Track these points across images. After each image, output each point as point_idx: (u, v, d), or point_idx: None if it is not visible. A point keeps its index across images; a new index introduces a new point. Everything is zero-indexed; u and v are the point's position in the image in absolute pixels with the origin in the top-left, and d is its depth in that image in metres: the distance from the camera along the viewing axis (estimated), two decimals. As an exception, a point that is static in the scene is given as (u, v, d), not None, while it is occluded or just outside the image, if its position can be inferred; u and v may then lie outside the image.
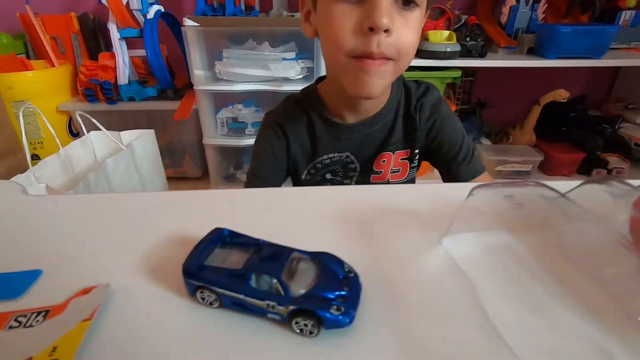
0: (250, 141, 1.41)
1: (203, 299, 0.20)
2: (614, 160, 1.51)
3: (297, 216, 0.28)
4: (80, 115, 0.74)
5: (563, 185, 0.24)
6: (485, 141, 1.63)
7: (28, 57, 1.47)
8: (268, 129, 0.59)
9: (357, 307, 0.19)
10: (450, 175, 0.59)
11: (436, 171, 0.62)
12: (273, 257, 0.20)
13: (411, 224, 0.26)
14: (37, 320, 0.19)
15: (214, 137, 1.44)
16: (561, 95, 1.38)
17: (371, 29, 0.40)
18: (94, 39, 1.54)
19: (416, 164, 0.62)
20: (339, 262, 0.21)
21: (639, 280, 0.19)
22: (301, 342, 0.17)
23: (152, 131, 0.91)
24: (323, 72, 0.82)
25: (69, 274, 0.25)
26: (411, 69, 1.27)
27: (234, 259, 0.20)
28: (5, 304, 0.22)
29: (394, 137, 0.57)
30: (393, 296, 0.20)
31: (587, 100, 1.71)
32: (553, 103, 1.47)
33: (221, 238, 0.23)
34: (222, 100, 1.43)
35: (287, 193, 0.32)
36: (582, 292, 0.19)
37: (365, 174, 0.60)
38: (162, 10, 1.39)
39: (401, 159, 0.59)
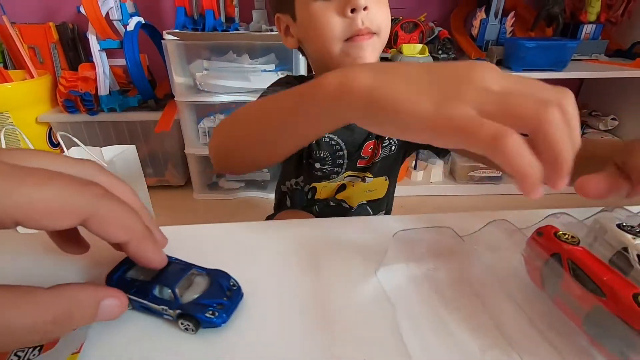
0: (232, 150, 1.44)
1: None
2: (578, 164, 1.60)
3: (245, 249, 0.33)
4: (62, 136, 0.76)
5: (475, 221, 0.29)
6: (460, 147, 1.70)
7: (6, 67, 1.46)
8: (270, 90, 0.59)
9: (232, 313, 0.26)
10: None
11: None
12: (175, 272, 0.26)
13: (353, 255, 0.30)
14: (34, 354, 0.22)
15: (196, 146, 1.46)
16: (527, 105, 1.46)
17: (352, 11, 0.46)
18: (74, 48, 1.54)
19: (398, 153, 0.64)
20: (227, 277, 0.27)
21: (529, 314, 0.23)
22: (185, 336, 0.25)
23: (133, 147, 0.93)
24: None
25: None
26: (387, 80, 1.33)
27: (148, 273, 0.26)
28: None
29: None
30: (320, 318, 0.25)
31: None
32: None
33: None
34: (203, 110, 1.45)
35: (246, 227, 0.36)
36: (483, 322, 0.23)
37: (353, 161, 0.62)
38: (143, 21, 1.41)
39: (383, 146, 0.62)
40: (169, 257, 0.28)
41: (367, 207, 0.67)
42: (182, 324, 0.25)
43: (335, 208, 0.66)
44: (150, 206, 1.06)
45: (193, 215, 1.48)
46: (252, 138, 0.38)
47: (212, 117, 1.44)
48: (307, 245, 0.32)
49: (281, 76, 1.33)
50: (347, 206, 0.66)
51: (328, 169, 0.62)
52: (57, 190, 0.18)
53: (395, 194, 0.74)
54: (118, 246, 0.22)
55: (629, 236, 0.26)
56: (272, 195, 1.22)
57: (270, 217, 0.72)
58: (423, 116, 0.22)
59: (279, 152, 0.38)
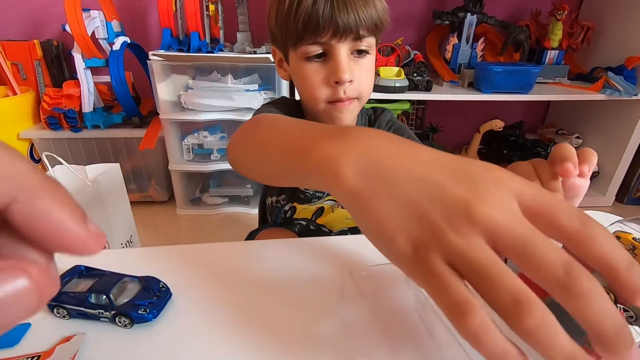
0: (216, 166, 1.47)
1: (58, 313, 0.32)
2: (546, 180, 1.70)
3: (215, 271, 0.37)
4: (47, 156, 0.78)
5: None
6: (436, 163, 1.77)
7: (-13, 83, 1.46)
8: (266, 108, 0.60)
9: (162, 309, 0.32)
10: None
11: None
12: (109, 282, 0.33)
13: (319, 286, 0.35)
14: (32, 363, 0.26)
15: (180, 163, 1.49)
16: (497, 125, 1.55)
17: (337, 82, 0.51)
18: (58, 65, 1.55)
19: None
20: (157, 281, 0.34)
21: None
22: (124, 331, 0.31)
23: (117, 165, 0.95)
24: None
25: (52, 325, 0.32)
26: (365, 101, 1.40)
27: (85, 285, 0.32)
28: (5, 352, 0.29)
29: None
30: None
31: (524, 126, 1.92)
32: (493, 130, 1.65)
33: (79, 271, 0.35)
34: (187, 127, 1.48)
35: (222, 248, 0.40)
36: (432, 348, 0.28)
37: None
38: (129, 41, 1.44)
39: None
40: (104, 271, 0.34)
41: (348, 232, 0.71)
42: (119, 322, 0.31)
43: (316, 232, 0.69)
44: (133, 222, 1.07)
45: (176, 231, 1.49)
46: (253, 167, 0.37)
47: (196, 134, 1.47)
48: (282, 264, 0.36)
49: (264, 96, 1.38)
50: (327, 230, 0.69)
51: (311, 192, 0.65)
52: None
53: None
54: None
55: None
56: (256, 211, 1.25)
57: (254, 232, 0.75)
58: (396, 255, 0.20)
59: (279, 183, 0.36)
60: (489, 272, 0.17)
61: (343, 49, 0.50)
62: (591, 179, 1.69)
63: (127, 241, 1.03)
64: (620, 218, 0.40)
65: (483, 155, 1.77)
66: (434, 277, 0.18)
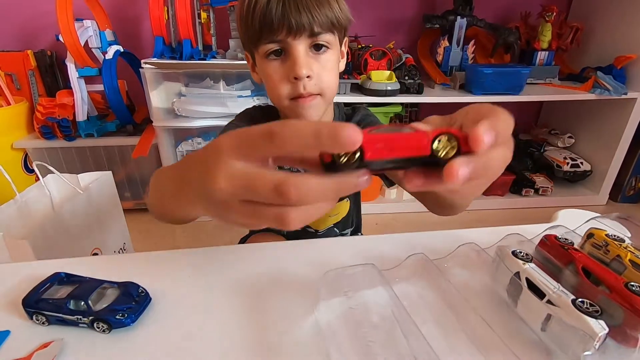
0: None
1: (38, 320, 0.32)
2: (540, 180, 1.71)
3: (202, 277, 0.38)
4: (38, 165, 0.79)
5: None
6: (430, 165, 1.78)
7: (-19, 94, 1.46)
8: (232, 126, 0.63)
9: (141, 314, 0.33)
10: None
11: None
12: (88, 288, 0.33)
13: (296, 288, 0.35)
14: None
15: (174, 169, 1.49)
16: (489, 126, 1.56)
17: (295, 78, 0.52)
18: (52, 74, 1.56)
19: None
20: (136, 287, 0.34)
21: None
22: (102, 336, 0.31)
23: (109, 173, 0.95)
24: (270, 119, 0.92)
25: (31, 332, 0.32)
26: (357, 104, 1.41)
27: (65, 291, 0.33)
28: (-17, 360, 0.29)
29: None
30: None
31: (516, 126, 1.93)
32: (485, 131, 1.65)
33: (59, 278, 0.35)
34: (181, 134, 1.49)
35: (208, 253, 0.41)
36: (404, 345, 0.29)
37: None
38: (122, 50, 1.45)
39: None
40: (84, 277, 0.35)
41: (335, 228, 0.72)
42: (97, 327, 0.31)
43: (302, 232, 0.70)
44: (126, 230, 1.08)
45: (171, 238, 1.49)
46: (161, 208, 0.39)
47: (190, 140, 1.48)
48: (267, 267, 0.37)
49: (257, 101, 1.38)
50: (313, 230, 0.70)
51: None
52: None
53: (370, 212, 0.79)
54: None
55: (520, 262, 0.32)
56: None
57: (244, 238, 0.76)
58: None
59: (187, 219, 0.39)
60: (251, 189, 0.22)
61: (300, 46, 0.52)
62: (584, 177, 1.68)
63: (121, 249, 1.03)
64: (596, 214, 0.41)
65: (477, 156, 1.78)
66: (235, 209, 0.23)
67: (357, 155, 0.20)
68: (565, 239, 0.35)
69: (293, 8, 0.49)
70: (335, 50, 0.56)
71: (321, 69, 0.54)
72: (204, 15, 1.43)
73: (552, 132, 1.87)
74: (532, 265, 0.32)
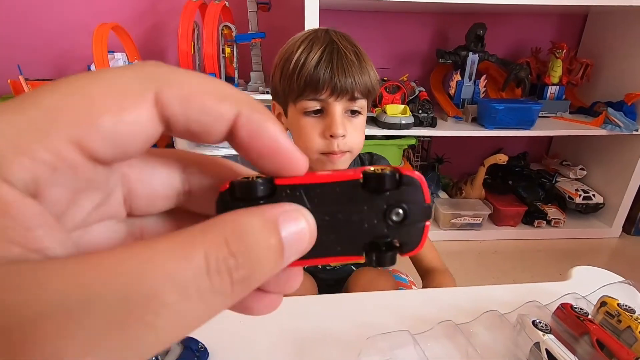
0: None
1: None
2: (552, 211, 1.72)
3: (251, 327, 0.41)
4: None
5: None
6: (443, 194, 1.81)
7: (16, 120, 1.55)
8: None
9: None
10: None
11: None
12: None
13: (338, 346, 0.39)
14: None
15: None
16: (501, 159, 1.60)
17: (331, 136, 0.57)
18: (82, 102, 1.65)
19: None
20: (196, 342, 0.38)
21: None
22: None
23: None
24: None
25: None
26: (372, 137, 1.46)
27: None
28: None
29: None
30: None
31: (528, 156, 1.96)
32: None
33: None
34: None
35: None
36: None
37: None
38: (149, 81, 1.53)
39: None
40: None
41: (352, 265, 0.75)
42: None
43: (321, 270, 0.74)
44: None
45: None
46: None
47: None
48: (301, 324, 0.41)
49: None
50: (331, 267, 0.74)
51: None
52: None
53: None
54: None
55: (540, 333, 0.35)
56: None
57: None
58: None
59: None
60: None
61: (339, 107, 0.57)
62: (597, 210, 1.68)
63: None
64: (609, 282, 0.44)
65: (488, 185, 1.80)
66: None
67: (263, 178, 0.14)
68: (581, 309, 0.38)
69: (340, 72, 0.55)
70: (365, 114, 0.62)
71: (353, 130, 0.59)
72: (227, 50, 1.51)
73: (564, 163, 1.89)
74: (552, 336, 0.35)
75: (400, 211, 0.14)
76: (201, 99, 0.12)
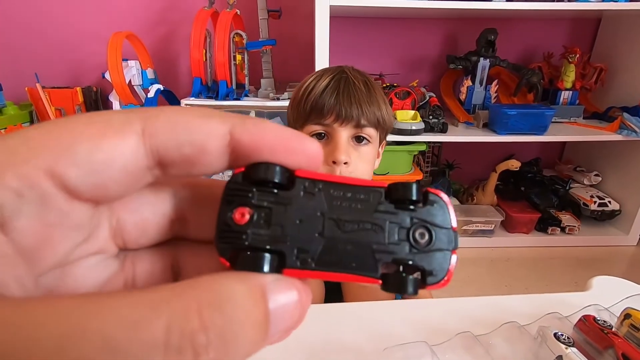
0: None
1: None
2: (566, 218, 1.69)
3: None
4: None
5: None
6: (454, 201, 1.79)
7: (32, 127, 1.58)
8: None
9: None
10: None
11: None
12: None
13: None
14: None
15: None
16: (513, 165, 1.58)
17: (334, 162, 0.56)
18: (96, 109, 1.68)
19: None
20: None
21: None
22: None
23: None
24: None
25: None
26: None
27: None
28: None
29: None
30: None
31: (541, 162, 1.93)
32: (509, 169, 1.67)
33: None
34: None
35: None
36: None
37: None
38: (162, 88, 1.55)
39: None
40: None
41: None
42: None
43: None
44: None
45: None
46: None
47: (221, 174, 1.55)
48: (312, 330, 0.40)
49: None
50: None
51: None
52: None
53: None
54: None
55: (562, 346, 0.34)
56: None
57: None
58: None
59: None
60: None
61: (343, 133, 0.56)
62: (612, 217, 1.65)
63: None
64: (633, 293, 0.43)
65: (500, 192, 1.78)
66: None
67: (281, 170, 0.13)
68: (604, 321, 0.37)
69: (345, 100, 0.55)
70: (375, 145, 0.60)
71: (359, 158, 0.58)
72: (238, 57, 1.52)
73: (578, 169, 1.86)
74: (575, 350, 0.34)
75: (426, 233, 0.13)
76: (187, 119, 0.11)
